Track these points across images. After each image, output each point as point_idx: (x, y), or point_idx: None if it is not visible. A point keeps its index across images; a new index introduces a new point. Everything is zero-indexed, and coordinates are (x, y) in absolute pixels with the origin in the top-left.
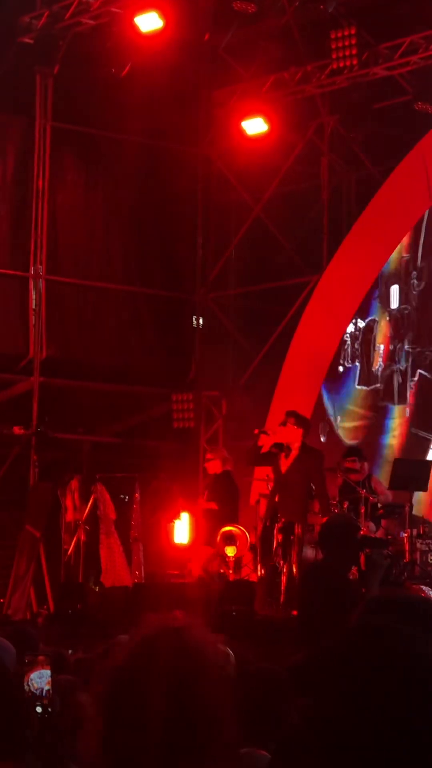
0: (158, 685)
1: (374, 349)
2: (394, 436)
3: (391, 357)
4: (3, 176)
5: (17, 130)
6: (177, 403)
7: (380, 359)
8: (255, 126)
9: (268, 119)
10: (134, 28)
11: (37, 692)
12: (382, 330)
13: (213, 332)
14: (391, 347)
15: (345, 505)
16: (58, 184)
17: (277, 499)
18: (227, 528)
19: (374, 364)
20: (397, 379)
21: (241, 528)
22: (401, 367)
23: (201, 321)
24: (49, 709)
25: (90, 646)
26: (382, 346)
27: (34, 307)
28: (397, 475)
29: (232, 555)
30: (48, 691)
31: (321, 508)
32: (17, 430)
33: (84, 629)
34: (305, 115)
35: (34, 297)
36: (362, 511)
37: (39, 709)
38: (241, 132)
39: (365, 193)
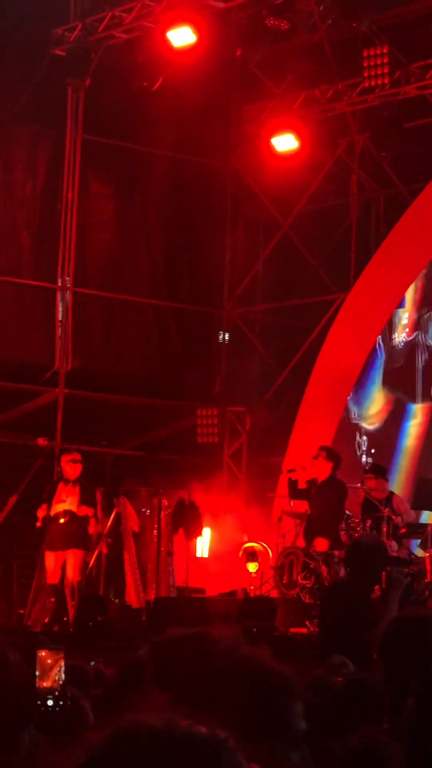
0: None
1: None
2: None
3: (416, 326)
4: (33, 187)
5: (48, 142)
6: (201, 418)
7: (404, 331)
8: (285, 142)
9: (299, 136)
10: (166, 42)
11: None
12: (408, 295)
13: (239, 347)
14: (415, 316)
15: (368, 524)
16: (88, 197)
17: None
18: (250, 544)
19: (397, 336)
20: (421, 358)
21: (264, 544)
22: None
23: (227, 336)
24: (60, 702)
25: (110, 659)
26: (407, 315)
27: (60, 318)
28: (422, 494)
29: (254, 571)
30: (61, 683)
31: (320, 532)
32: (41, 441)
33: (104, 642)
34: (335, 133)
35: (60, 309)
36: (384, 530)
37: (50, 702)
38: (271, 148)
39: (394, 212)
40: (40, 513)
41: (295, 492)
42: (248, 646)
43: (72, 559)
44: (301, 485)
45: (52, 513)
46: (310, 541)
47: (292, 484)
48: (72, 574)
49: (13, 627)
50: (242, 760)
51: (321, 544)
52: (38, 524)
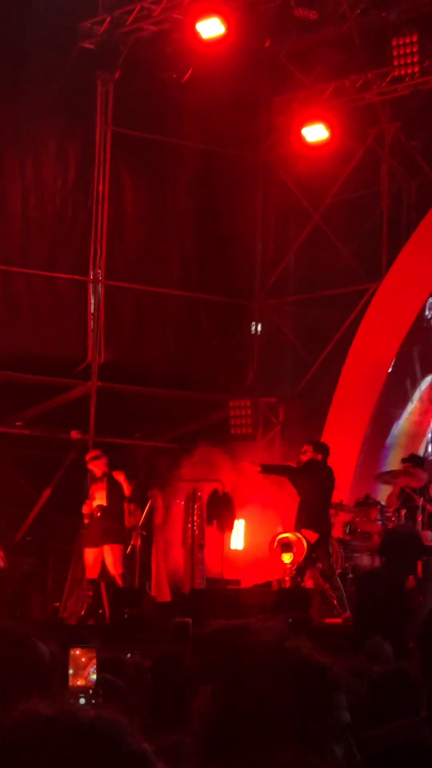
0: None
1: None
2: None
3: None
4: (63, 181)
5: (78, 135)
6: (234, 410)
7: None
8: (315, 133)
9: (329, 126)
10: (195, 34)
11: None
12: None
13: (271, 339)
14: None
15: (402, 513)
16: (118, 189)
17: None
18: (284, 535)
19: None
20: None
21: (298, 535)
22: None
23: (259, 327)
24: (93, 701)
25: (147, 652)
26: None
27: (92, 311)
28: None
29: (289, 562)
30: (94, 682)
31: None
32: (74, 434)
33: (140, 634)
34: (365, 123)
35: (92, 301)
36: (419, 519)
37: (83, 701)
38: (301, 139)
39: (425, 201)
40: (85, 510)
41: (283, 470)
42: (290, 638)
43: (110, 553)
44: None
45: (88, 511)
46: (300, 524)
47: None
48: (113, 568)
49: (48, 620)
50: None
51: (311, 536)
52: (86, 521)
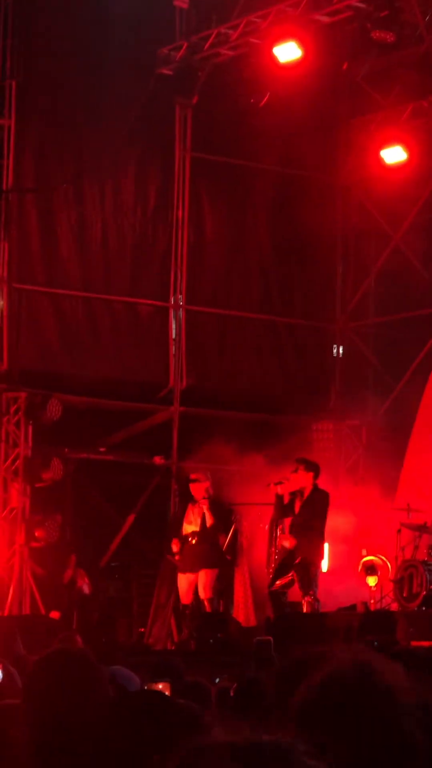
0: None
1: None
2: None
3: None
4: (144, 207)
5: (157, 161)
6: (317, 432)
7: None
8: (394, 155)
9: (407, 147)
10: (273, 58)
11: None
12: None
13: (353, 361)
14: None
15: None
16: (198, 214)
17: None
18: (369, 558)
19: None
20: None
21: (383, 558)
22: None
23: (341, 350)
24: None
25: (234, 676)
26: None
27: (174, 336)
28: None
29: (374, 585)
30: None
31: (292, 533)
32: (158, 460)
33: (225, 658)
34: None
35: (174, 327)
36: None
37: None
38: (380, 161)
39: None
40: (174, 548)
41: (281, 509)
42: (379, 665)
43: (203, 578)
44: (287, 500)
45: (183, 533)
46: (300, 551)
47: (279, 500)
48: (203, 592)
49: (133, 645)
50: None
51: (290, 541)
52: (177, 557)
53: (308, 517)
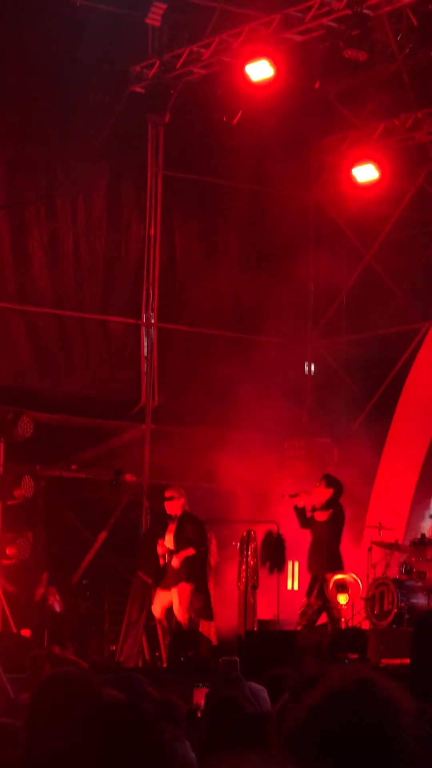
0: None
1: None
2: None
3: None
4: (115, 224)
5: (129, 178)
6: (289, 450)
7: None
8: (365, 173)
9: (379, 166)
10: (245, 76)
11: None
12: None
13: (324, 379)
14: None
15: None
16: (169, 232)
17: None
18: (339, 576)
19: None
20: None
21: (354, 576)
22: None
23: (313, 367)
24: None
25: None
26: None
27: (146, 354)
28: None
29: (345, 603)
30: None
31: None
32: (129, 477)
33: (197, 677)
34: (416, 162)
35: (145, 344)
36: None
37: None
38: (352, 179)
39: None
40: (160, 550)
41: (304, 521)
42: (380, 681)
43: (176, 596)
44: (309, 513)
45: (162, 551)
46: (317, 566)
47: (301, 512)
48: (178, 612)
49: (105, 663)
50: None
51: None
52: (162, 561)
53: (325, 534)
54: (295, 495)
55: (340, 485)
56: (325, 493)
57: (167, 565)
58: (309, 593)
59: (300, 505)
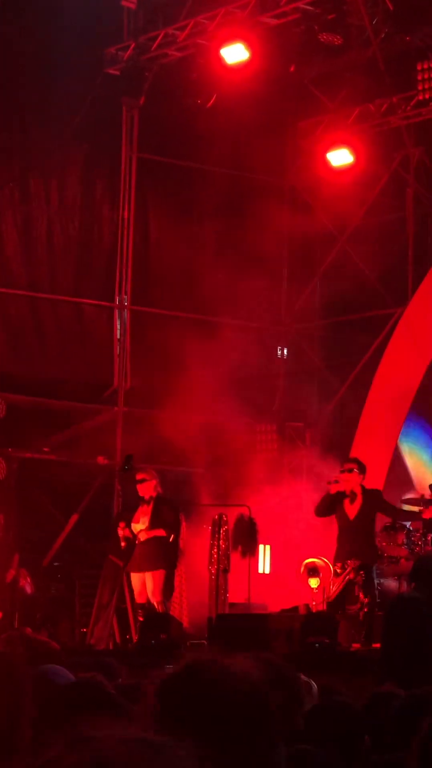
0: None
1: None
2: None
3: None
4: (89, 207)
5: (103, 161)
6: (261, 434)
7: None
8: (340, 157)
9: (354, 151)
10: (220, 59)
11: None
12: None
13: (298, 363)
14: None
15: (429, 538)
16: (143, 215)
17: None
18: (311, 560)
19: None
20: None
21: (325, 560)
22: None
23: (285, 352)
24: None
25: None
26: None
27: (118, 337)
28: None
29: (316, 587)
30: None
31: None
32: (101, 460)
33: (167, 660)
34: (390, 147)
35: (118, 327)
36: None
37: None
38: (326, 163)
39: None
40: (120, 533)
41: (330, 506)
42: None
43: (150, 579)
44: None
45: (123, 534)
46: (360, 555)
47: (330, 498)
48: (152, 596)
49: (76, 646)
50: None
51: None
52: (123, 545)
53: (368, 522)
54: (336, 482)
55: (366, 469)
56: (358, 479)
57: (133, 546)
58: (365, 590)
59: (332, 491)
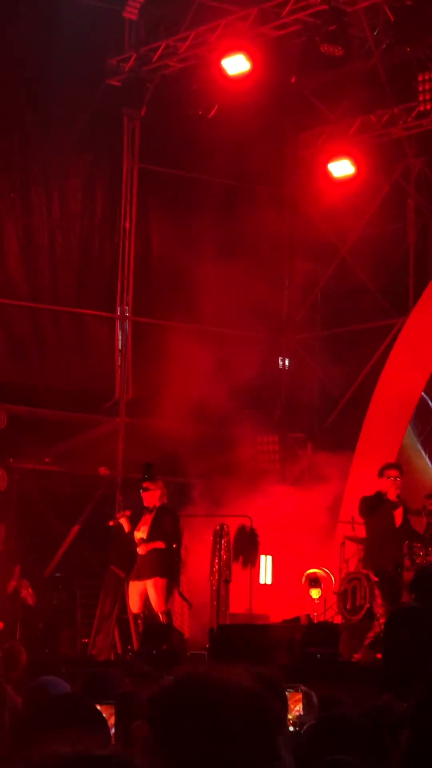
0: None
1: None
2: None
3: None
4: (91, 217)
5: (104, 172)
6: (262, 445)
7: None
8: (341, 168)
9: (355, 161)
10: (221, 70)
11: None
12: None
13: (299, 373)
14: None
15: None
16: (145, 226)
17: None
18: (312, 570)
19: None
20: None
21: (326, 570)
22: None
23: (287, 362)
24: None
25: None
26: None
27: (120, 347)
28: None
29: (317, 597)
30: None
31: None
32: (102, 470)
33: (166, 670)
34: (391, 158)
35: (120, 338)
36: None
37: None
38: (327, 174)
39: None
40: (119, 517)
41: (371, 508)
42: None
43: (152, 588)
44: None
45: (136, 539)
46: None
47: (381, 500)
48: (155, 605)
49: (77, 656)
50: None
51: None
52: (110, 522)
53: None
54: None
55: None
56: (400, 483)
57: (138, 557)
58: (392, 598)
59: (393, 497)
